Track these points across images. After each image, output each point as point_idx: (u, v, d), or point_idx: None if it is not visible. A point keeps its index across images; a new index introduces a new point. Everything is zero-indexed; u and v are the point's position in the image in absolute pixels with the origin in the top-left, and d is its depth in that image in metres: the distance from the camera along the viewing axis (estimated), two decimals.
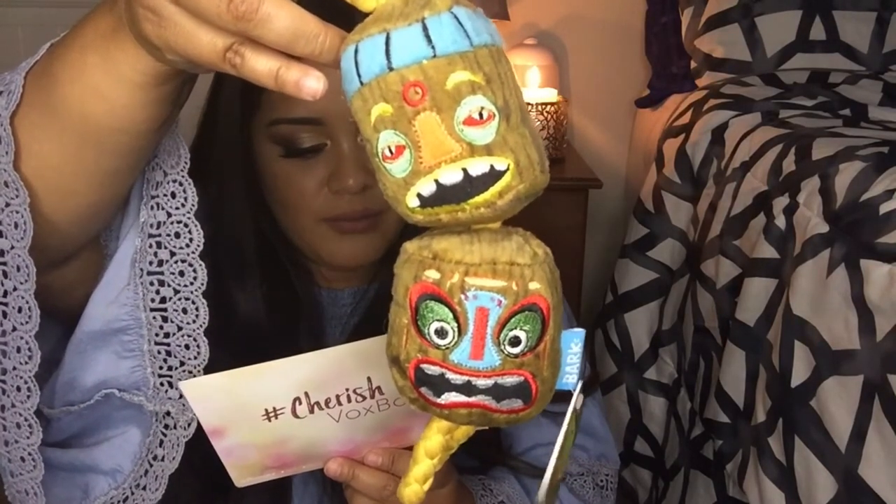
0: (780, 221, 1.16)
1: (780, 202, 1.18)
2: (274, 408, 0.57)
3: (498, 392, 0.39)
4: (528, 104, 1.72)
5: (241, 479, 0.62)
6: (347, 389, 0.57)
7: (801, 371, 1.02)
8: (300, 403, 0.57)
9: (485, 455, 0.81)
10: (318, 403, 0.57)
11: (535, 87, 1.81)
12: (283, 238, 0.78)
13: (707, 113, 1.57)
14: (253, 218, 0.76)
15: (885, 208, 0.97)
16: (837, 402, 0.95)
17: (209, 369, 0.58)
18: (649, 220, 1.63)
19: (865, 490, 0.91)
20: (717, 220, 1.37)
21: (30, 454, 0.51)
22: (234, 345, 0.73)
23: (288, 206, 0.75)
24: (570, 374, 0.42)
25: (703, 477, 1.36)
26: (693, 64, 1.83)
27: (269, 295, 0.76)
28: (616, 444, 0.92)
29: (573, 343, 0.42)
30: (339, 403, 0.58)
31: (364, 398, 0.58)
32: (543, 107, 1.73)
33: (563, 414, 0.93)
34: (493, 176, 0.36)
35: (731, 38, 1.73)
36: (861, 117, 1.47)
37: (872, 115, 1.47)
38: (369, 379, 0.57)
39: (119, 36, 0.43)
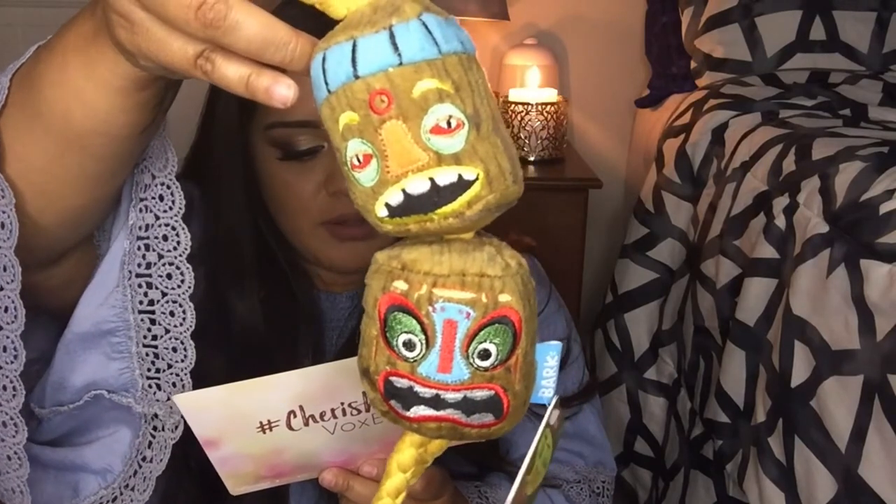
0: (780, 221, 1.16)
1: (780, 202, 1.18)
2: (269, 420, 0.57)
3: (467, 406, 0.38)
4: (528, 104, 1.73)
5: (235, 487, 0.62)
6: (342, 403, 0.57)
7: (801, 371, 1.02)
8: (295, 416, 0.57)
9: (482, 461, 0.81)
10: (312, 416, 0.57)
11: (535, 87, 1.81)
12: (281, 241, 0.78)
13: (707, 113, 1.57)
14: (251, 221, 0.76)
15: (885, 208, 0.97)
16: (837, 402, 0.95)
17: (208, 372, 0.58)
18: (649, 220, 1.63)
19: (865, 490, 0.91)
20: (717, 220, 1.37)
21: (15, 453, 0.51)
22: (232, 348, 0.73)
23: (286, 209, 0.75)
24: (546, 388, 0.41)
25: (703, 477, 1.36)
26: (693, 64, 1.83)
27: (267, 298, 0.76)
28: (616, 444, 0.92)
29: (549, 356, 0.41)
30: (335, 416, 0.58)
31: (359, 411, 0.58)
32: (543, 107, 1.73)
33: (566, 419, 0.93)
34: (462, 186, 0.35)
35: (731, 38, 1.73)
36: (861, 117, 1.46)
37: (872, 115, 1.47)
38: (364, 393, 0.57)
39: (99, 41, 0.43)
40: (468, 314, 0.37)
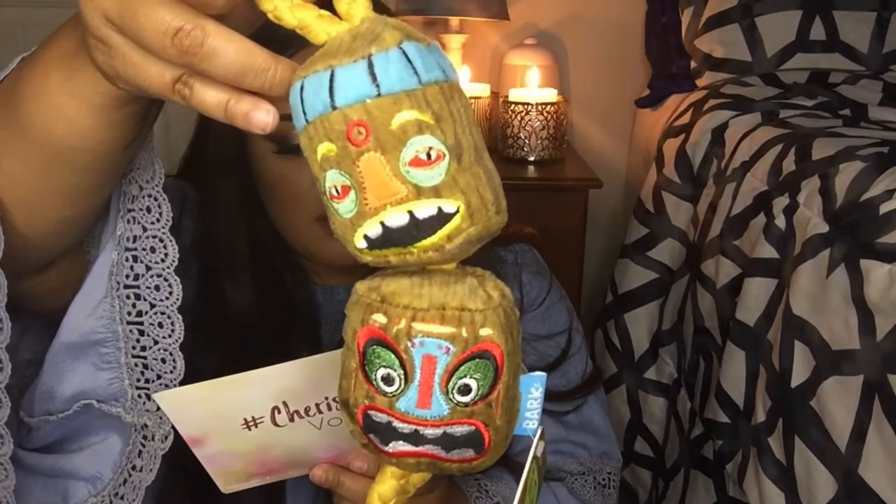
0: (780, 221, 1.16)
1: (780, 202, 1.18)
2: (253, 417, 0.57)
3: (447, 442, 0.38)
4: (528, 104, 1.73)
5: (227, 485, 0.62)
6: (327, 398, 0.57)
7: (801, 371, 1.02)
8: (279, 412, 0.57)
9: None
10: (297, 412, 0.57)
11: (535, 87, 1.81)
12: (277, 236, 0.78)
13: (707, 113, 1.57)
14: (247, 216, 0.77)
15: (885, 208, 0.97)
16: (837, 402, 0.95)
17: (203, 367, 0.57)
18: (649, 220, 1.63)
19: (865, 490, 0.91)
20: (717, 220, 1.37)
21: (1, 464, 0.50)
22: (227, 343, 0.73)
23: (282, 203, 0.76)
24: (531, 420, 0.41)
25: (703, 477, 1.36)
26: (693, 64, 1.83)
27: (262, 293, 0.76)
28: (616, 439, 0.92)
29: (533, 388, 0.40)
30: (320, 412, 0.57)
31: None
32: (543, 107, 1.73)
33: (565, 413, 0.92)
34: (441, 219, 0.34)
35: (731, 38, 1.73)
36: (861, 117, 1.46)
37: (872, 115, 1.47)
38: None
39: (80, 58, 0.42)
40: (448, 349, 0.36)
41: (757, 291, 1.18)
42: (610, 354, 1.66)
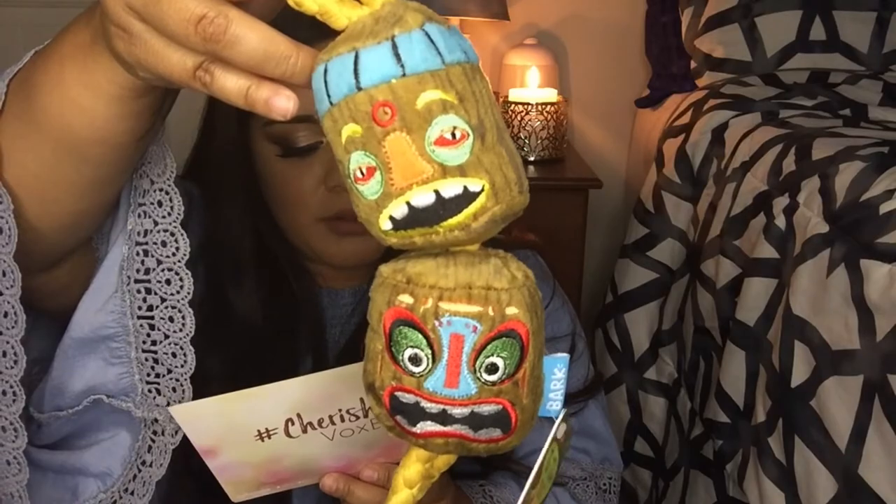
0: (780, 221, 1.16)
1: (780, 202, 1.18)
2: (266, 429, 0.57)
3: (475, 421, 0.38)
4: (528, 104, 1.73)
5: (236, 494, 0.62)
6: (340, 410, 0.57)
7: (801, 371, 1.02)
8: (293, 424, 0.57)
9: (487, 459, 0.80)
10: (310, 424, 0.57)
11: (535, 87, 1.81)
12: (281, 239, 0.78)
13: (707, 113, 1.57)
14: (251, 218, 0.77)
15: (885, 208, 0.97)
16: (837, 402, 0.95)
17: (208, 371, 0.57)
18: (649, 220, 1.63)
19: (865, 490, 0.91)
20: (717, 220, 1.37)
21: (15, 458, 0.51)
22: (232, 346, 0.73)
23: (287, 205, 0.76)
24: (554, 401, 0.41)
25: (703, 477, 1.36)
26: (693, 64, 1.83)
27: (266, 296, 0.76)
28: (616, 444, 0.92)
29: (556, 368, 0.40)
30: (333, 423, 0.58)
31: (358, 417, 0.58)
32: (543, 107, 1.73)
33: (572, 416, 0.92)
34: (467, 198, 0.35)
35: (731, 38, 1.73)
36: (861, 117, 1.47)
37: (872, 115, 1.47)
38: (362, 400, 0.57)
39: (96, 49, 0.42)
40: (475, 328, 0.36)
41: (757, 291, 1.18)
42: (610, 354, 1.66)
